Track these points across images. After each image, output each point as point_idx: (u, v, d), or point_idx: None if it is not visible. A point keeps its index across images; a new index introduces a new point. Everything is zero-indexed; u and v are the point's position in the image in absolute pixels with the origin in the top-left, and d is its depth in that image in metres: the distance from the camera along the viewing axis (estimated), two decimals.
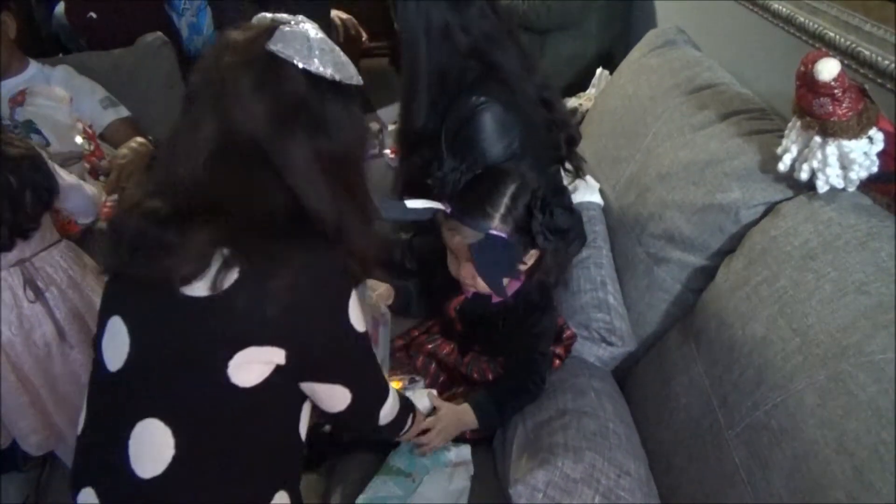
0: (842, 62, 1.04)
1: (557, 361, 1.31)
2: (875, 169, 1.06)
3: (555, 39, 2.35)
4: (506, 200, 1.11)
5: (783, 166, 1.15)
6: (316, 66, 0.83)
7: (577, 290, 1.45)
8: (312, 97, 0.84)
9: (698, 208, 1.30)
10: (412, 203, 1.13)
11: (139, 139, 1.82)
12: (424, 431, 1.18)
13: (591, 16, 2.28)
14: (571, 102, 2.15)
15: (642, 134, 1.58)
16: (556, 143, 1.47)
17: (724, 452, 1.02)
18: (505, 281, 1.15)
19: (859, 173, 1.06)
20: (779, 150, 1.16)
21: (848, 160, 1.06)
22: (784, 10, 1.42)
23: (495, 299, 1.24)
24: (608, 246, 1.53)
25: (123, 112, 1.96)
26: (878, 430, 0.81)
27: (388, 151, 2.15)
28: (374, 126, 2.18)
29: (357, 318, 0.91)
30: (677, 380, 1.19)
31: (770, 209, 1.19)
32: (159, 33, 2.22)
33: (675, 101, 1.55)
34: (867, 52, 1.16)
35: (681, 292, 1.33)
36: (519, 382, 1.23)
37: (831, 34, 1.26)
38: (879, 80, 1.15)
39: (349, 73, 0.87)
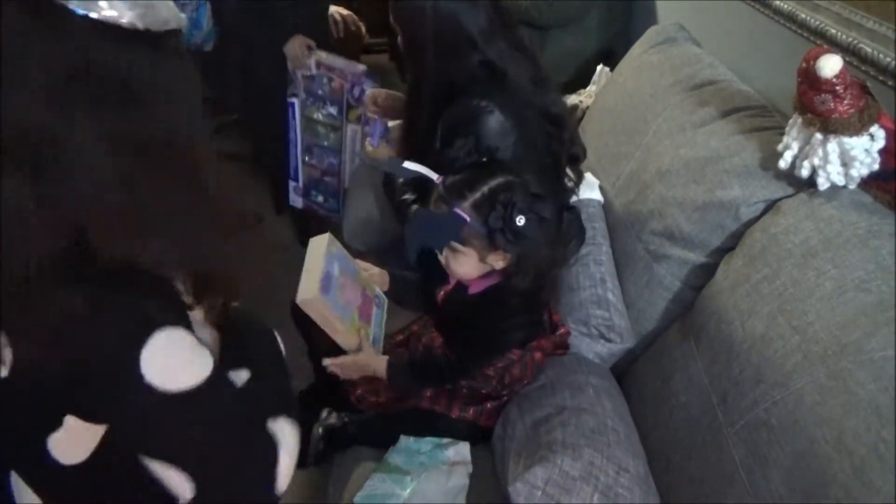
0: (843, 59, 1.04)
1: (539, 354, 1.30)
2: (876, 166, 1.05)
3: (556, 36, 2.35)
4: (484, 189, 1.12)
5: (784, 163, 1.15)
6: (104, 10, 0.61)
7: (577, 287, 1.45)
8: (102, 58, 0.62)
9: (698, 205, 1.29)
10: (410, 164, 1.17)
11: None
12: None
13: (593, 12, 2.28)
14: (572, 99, 2.15)
15: (642, 131, 1.57)
16: (557, 158, 1.46)
17: (723, 450, 1.01)
18: (477, 271, 1.18)
19: (860, 170, 1.06)
20: (780, 147, 1.16)
21: (849, 157, 1.05)
22: (785, 6, 1.41)
23: (471, 290, 1.24)
24: (608, 243, 1.53)
25: None
26: (878, 429, 0.81)
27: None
28: (358, 67, 2.13)
29: (162, 374, 0.67)
30: (677, 377, 1.19)
31: (770, 206, 1.18)
32: None
33: (675, 98, 1.54)
34: (868, 49, 1.16)
35: (680, 290, 1.32)
36: (440, 364, 1.27)
37: (833, 31, 1.25)
38: (881, 77, 1.14)
39: (163, 16, 0.64)
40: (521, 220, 1.08)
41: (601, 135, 1.77)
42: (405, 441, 1.24)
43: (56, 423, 0.68)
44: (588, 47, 2.33)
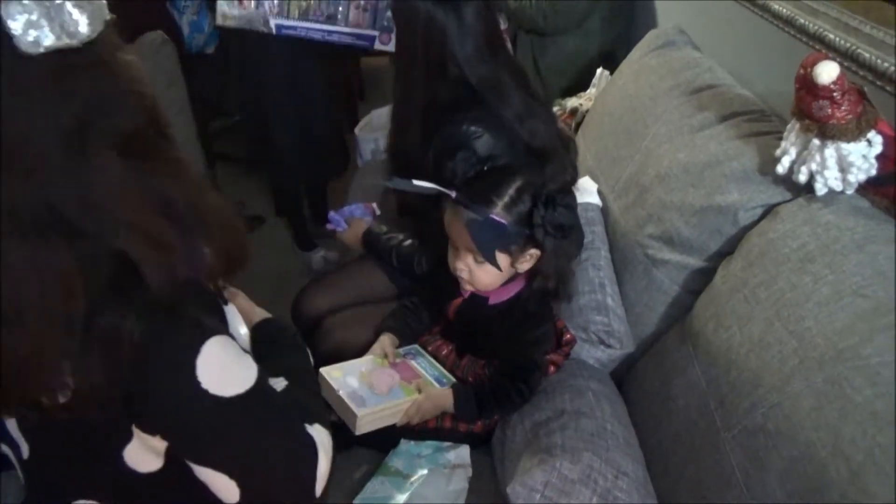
0: (841, 64, 1.04)
1: (553, 368, 1.31)
2: (873, 172, 1.06)
3: (558, 40, 2.36)
4: (511, 191, 1.13)
5: (782, 168, 1.15)
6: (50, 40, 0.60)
7: (576, 292, 1.45)
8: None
9: (697, 210, 1.30)
10: (419, 182, 1.14)
11: None
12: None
13: (594, 15, 2.29)
14: (572, 102, 2.16)
15: (642, 134, 1.58)
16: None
17: (721, 454, 1.02)
18: (500, 280, 1.17)
19: (858, 176, 1.06)
20: (777, 153, 1.16)
21: (846, 163, 1.06)
22: (784, 11, 1.42)
23: (492, 301, 1.24)
24: (606, 247, 1.53)
25: None
26: (875, 434, 0.81)
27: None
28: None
29: (216, 380, 0.71)
30: (675, 381, 1.19)
31: (768, 211, 1.19)
32: (160, 31, 2.22)
33: (674, 102, 1.55)
34: (867, 55, 1.16)
35: (679, 294, 1.33)
36: (505, 389, 1.22)
37: (831, 36, 1.26)
38: (879, 83, 1.15)
39: (75, 30, 0.62)
40: (562, 213, 1.11)
41: (600, 138, 1.78)
42: (406, 444, 1.24)
43: (129, 436, 0.73)
44: (589, 50, 2.34)
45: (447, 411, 1.24)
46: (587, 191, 1.64)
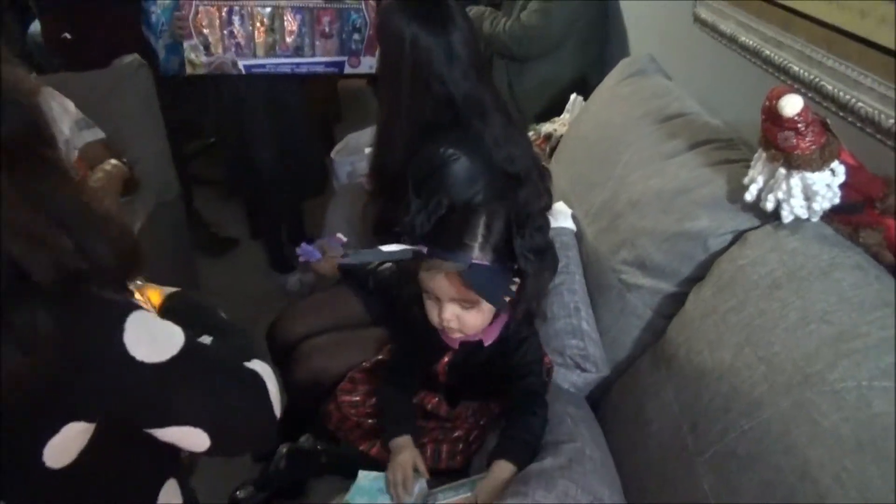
0: (805, 95, 1.08)
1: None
2: (837, 200, 1.09)
3: (532, 66, 2.40)
4: (481, 230, 1.11)
5: (750, 196, 1.18)
6: None
7: (551, 317, 1.46)
8: None
9: (668, 236, 1.32)
10: (387, 247, 1.13)
11: (113, 161, 1.81)
12: None
13: (568, 42, 2.33)
14: (546, 127, 2.19)
15: (614, 161, 1.61)
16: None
17: (694, 477, 1.03)
18: (489, 318, 1.17)
19: (822, 204, 1.09)
20: (745, 181, 1.19)
21: (811, 192, 1.09)
22: (751, 42, 1.46)
23: (487, 342, 1.22)
24: (581, 271, 1.55)
25: (99, 134, 1.94)
26: (841, 458, 0.83)
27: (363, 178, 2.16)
28: None
29: (147, 349, 0.76)
30: (649, 405, 1.21)
31: (738, 237, 1.21)
32: (136, 55, 2.21)
33: (646, 130, 1.58)
34: (829, 87, 1.21)
35: (652, 318, 1.35)
36: (527, 412, 1.20)
37: (795, 68, 1.30)
38: (841, 113, 1.19)
39: None
40: (536, 236, 1.11)
41: (574, 164, 1.81)
42: (365, 479, 1.20)
43: (54, 431, 0.74)
44: (562, 76, 2.38)
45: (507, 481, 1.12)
46: (562, 215, 1.66)
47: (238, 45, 2.07)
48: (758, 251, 1.13)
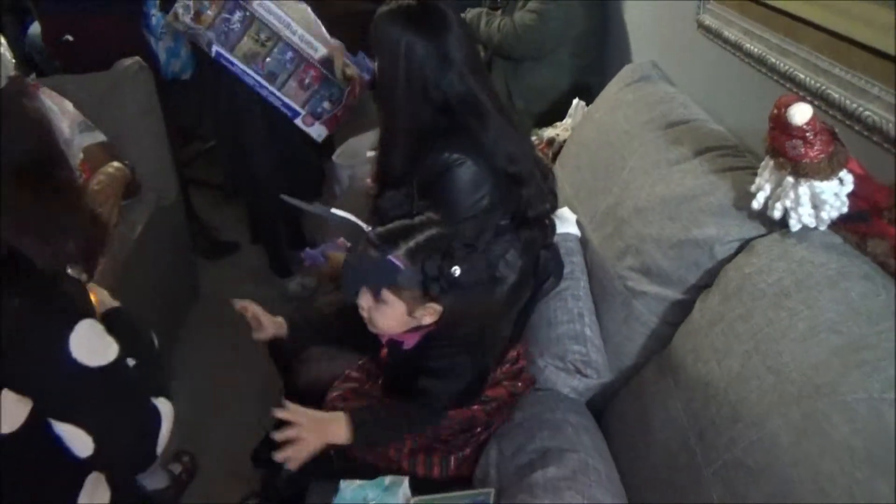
0: (811, 103, 1.07)
1: (502, 391, 1.31)
2: (845, 209, 1.09)
3: (528, 67, 2.40)
4: (420, 239, 1.10)
5: (757, 204, 1.17)
6: None
7: (554, 322, 1.46)
8: None
9: (674, 243, 1.32)
10: (337, 212, 1.17)
11: (115, 164, 1.80)
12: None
13: (563, 48, 2.33)
14: (548, 132, 2.18)
15: (619, 167, 1.60)
16: (513, 216, 1.47)
17: (702, 489, 1.02)
18: (400, 327, 1.17)
19: (830, 213, 1.09)
20: (752, 188, 1.19)
21: (819, 200, 1.09)
22: (756, 49, 1.46)
23: (406, 346, 1.22)
24: (586, 278, 1.55)
25: (100, 136, 1.93)
26: (852, 470, 0.83)
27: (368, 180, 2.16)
28: (350, 71, 2.13)
29: (92, 351, 0.90)
30: (655, 414, 1.20)
31: (744, 245, 1.21)
32: (137, 57, 2.20)
33: (650, 136, 1.58)
34: (836, 95, 1.20)
35: (658, 326, 1.34)
36: (407, 408, 1.22)
37: (801, 76, 1.29)
38: (847, 122, 1.18)
39: None
40: (456, 271, 1.07)
41: (578, 170, 1.80)
42: (349, 488, 1.18)
43: None
44: (561, 80, 2.38)
45: (336, 439, 1.17)
46: (567, 220, 1.66)
47: (224, 33, 2.05)
48: (765, 259, 1.13)
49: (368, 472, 1.23)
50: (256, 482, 1.78)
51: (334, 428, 1.17)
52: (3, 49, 0.90)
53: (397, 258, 1.08)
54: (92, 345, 0.90)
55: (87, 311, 0.94)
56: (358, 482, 1.19)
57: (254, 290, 2.54)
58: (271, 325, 1.39)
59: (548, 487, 1.04)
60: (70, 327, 0.88)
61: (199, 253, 2.67)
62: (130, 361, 1.00)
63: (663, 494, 1.11)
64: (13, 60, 0.95)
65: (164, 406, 1.00)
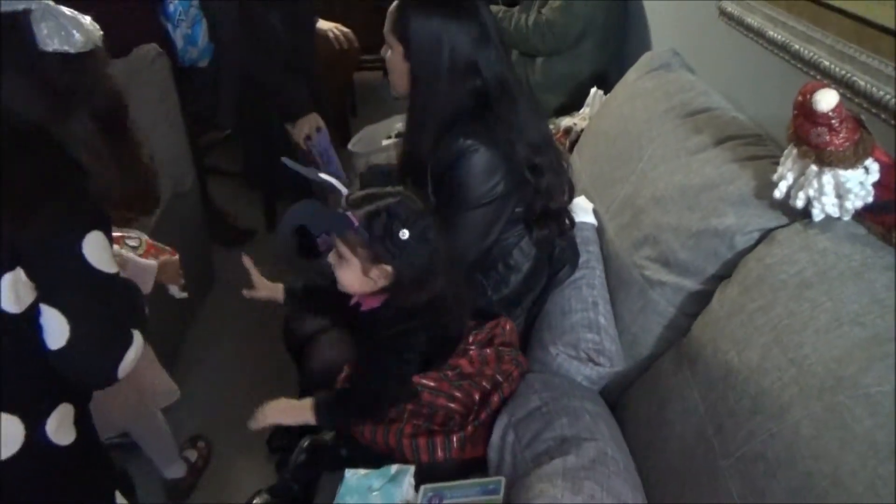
0: (836, 91, 1.05)
1: (464, 363, 1.30)
2: (870, 199, 1.06)
3: (550, 59, 2.38)
4: (383, 205, 1.16)
5: (779, 193, 1.15)
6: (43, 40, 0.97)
7: (568, 311, 1.45)
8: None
9: (693, 233, 1.30)
10: (323, 175, 1.23)
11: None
12: None
13: (587, 38, 2.31)
14: (566, 121, 2.17)
15: (637, 156, 1.58)
16: (530, 207, 1.47)
17: (719, 482, 1.01)
18: (359, 286, 1.22)
19: (855, 203, 1.07)
20: (774, 177, 1.17)
21: (844, 189, 1.06)
22: (779, 37, 1.43)
23: (364, 307, 1.26)
24: (601, 266, 1.53)
25: None
26: (875, 465, 0.81)
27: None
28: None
29: (99, 259, 0.97)
30: (672, 405, 1.19)
31: (765, 236, 1.19)
32: (154, 44, 2.20)
33: (670, 125, 1.55)
34: (862, 82, 1.17)
35: (675, 316, 1.33)
36: (362, 388, 1.27)
37: (826, 63, 1.27)
38: (874, 111, 1.15)
39: (78, 39, 1.00)
40: (403, 234, 1.14)
41: (596, 159, 1.78)
42: (354, 477, 1.19)
43: (10, 267, 0.92)
44: (582, 71, 2.36)
45: (302, 420, 1.26)
46: (583, 210, 1.64)
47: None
48: (786, 250, 1.10)
49: (376, 461, 1.23)
50: (272, 469, 1.79)
51: (303, 410, 1.26)
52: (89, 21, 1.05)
53: (353, 215, 1.15)
54: (101, 252, 0.98)
55: (101, 224, 1.01)
56: (363, 471, 1.20)
57: (269, 278, 2.54)
58: (265, 287, 1.46)
59: (566, 476, 1.03)
60: (90, 228, 0.96)
61: (215, 240, 2.68)
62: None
63: (679, 486, 1.10)
64: (100, 32, 1.06)
65: (137, 337, 1.04)
